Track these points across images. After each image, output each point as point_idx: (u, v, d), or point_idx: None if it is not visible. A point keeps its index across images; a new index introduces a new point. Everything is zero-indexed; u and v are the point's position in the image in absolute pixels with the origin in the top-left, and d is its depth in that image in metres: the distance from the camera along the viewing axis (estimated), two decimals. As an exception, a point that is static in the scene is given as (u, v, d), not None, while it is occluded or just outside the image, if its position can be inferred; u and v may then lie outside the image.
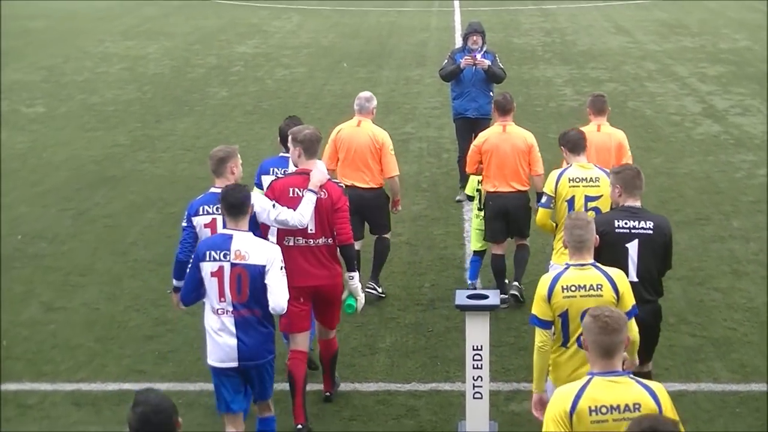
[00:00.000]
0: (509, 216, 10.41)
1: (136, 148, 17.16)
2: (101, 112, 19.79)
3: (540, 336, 6.66)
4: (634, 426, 4.33)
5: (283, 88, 21.92)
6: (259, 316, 7.05)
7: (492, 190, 10.43)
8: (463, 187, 13.93)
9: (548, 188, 8.89)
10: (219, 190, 7.56)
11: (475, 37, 13.63)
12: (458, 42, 24.69)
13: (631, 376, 5.15)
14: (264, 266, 6.99)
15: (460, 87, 13.74)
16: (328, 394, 8.80)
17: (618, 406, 4.97)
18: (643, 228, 7.40)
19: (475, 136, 13.55)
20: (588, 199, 8.69)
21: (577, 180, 8.72)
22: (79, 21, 32.74)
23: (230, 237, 7.09)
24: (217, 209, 7.68)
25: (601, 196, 8.61)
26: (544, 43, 27.29)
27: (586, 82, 21.88)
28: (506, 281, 10.59)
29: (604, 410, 4.96)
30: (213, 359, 7.15)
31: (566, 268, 6.66)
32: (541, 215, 8.98)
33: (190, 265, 7.32)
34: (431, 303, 10.78)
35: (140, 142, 17.56)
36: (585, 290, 6.54)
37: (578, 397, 5.00)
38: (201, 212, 7.88)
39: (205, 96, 21.29)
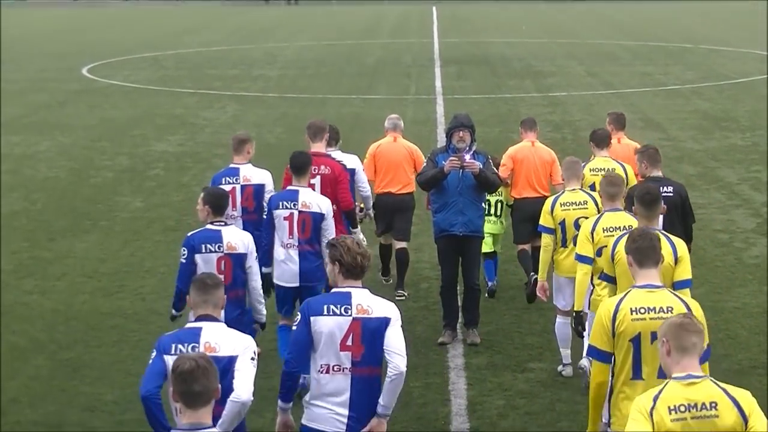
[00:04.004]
0: (536, 219, 13.68)
1: (21, 275, 17.17)
2: (-24, 228, 19.83)
3: (545, 239, 12.87)
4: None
5: (214, 197, 22.03)
6: (316, 250, 12.37)
7: (521, 196, 15.43)
8: (448, 325, 14.05)
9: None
10: (236, 166, 13.27)
11: (461, 133, 13.84)
12: (441, 140, 25.04)
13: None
14: (323, 214, 12.41)
15: (444, 197, 13.92)
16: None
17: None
18: (666, 192, 12.24)
19: (463, 260, 13.89)
20: None
21: (597, 170, 13.97)
22: (-51, 110, 32.98)
23: (297, 192, 12.44)
24: (236, 180, 13.12)
25: None
26: (552, 141, 27.58)
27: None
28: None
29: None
30: (280, 280, 12.61)
31: (562, 193, 12.94)
32: None
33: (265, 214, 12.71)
34: (407, 478, 10.76)
35: (27, 268, 17.58)
36: (576, 205, 12.69)
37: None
38: (223, 183, 12.91)
39: (114, 207, 21.41)
